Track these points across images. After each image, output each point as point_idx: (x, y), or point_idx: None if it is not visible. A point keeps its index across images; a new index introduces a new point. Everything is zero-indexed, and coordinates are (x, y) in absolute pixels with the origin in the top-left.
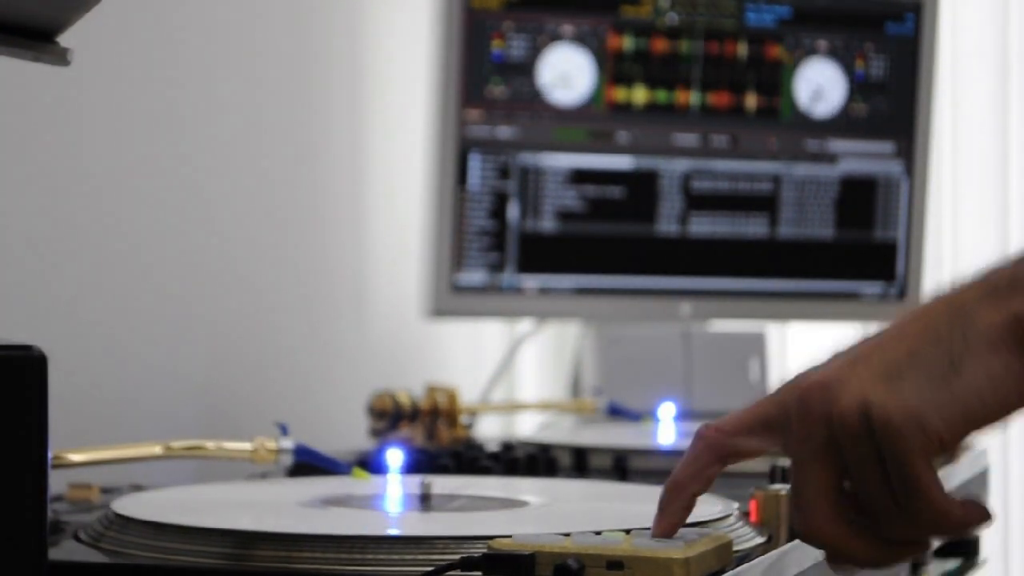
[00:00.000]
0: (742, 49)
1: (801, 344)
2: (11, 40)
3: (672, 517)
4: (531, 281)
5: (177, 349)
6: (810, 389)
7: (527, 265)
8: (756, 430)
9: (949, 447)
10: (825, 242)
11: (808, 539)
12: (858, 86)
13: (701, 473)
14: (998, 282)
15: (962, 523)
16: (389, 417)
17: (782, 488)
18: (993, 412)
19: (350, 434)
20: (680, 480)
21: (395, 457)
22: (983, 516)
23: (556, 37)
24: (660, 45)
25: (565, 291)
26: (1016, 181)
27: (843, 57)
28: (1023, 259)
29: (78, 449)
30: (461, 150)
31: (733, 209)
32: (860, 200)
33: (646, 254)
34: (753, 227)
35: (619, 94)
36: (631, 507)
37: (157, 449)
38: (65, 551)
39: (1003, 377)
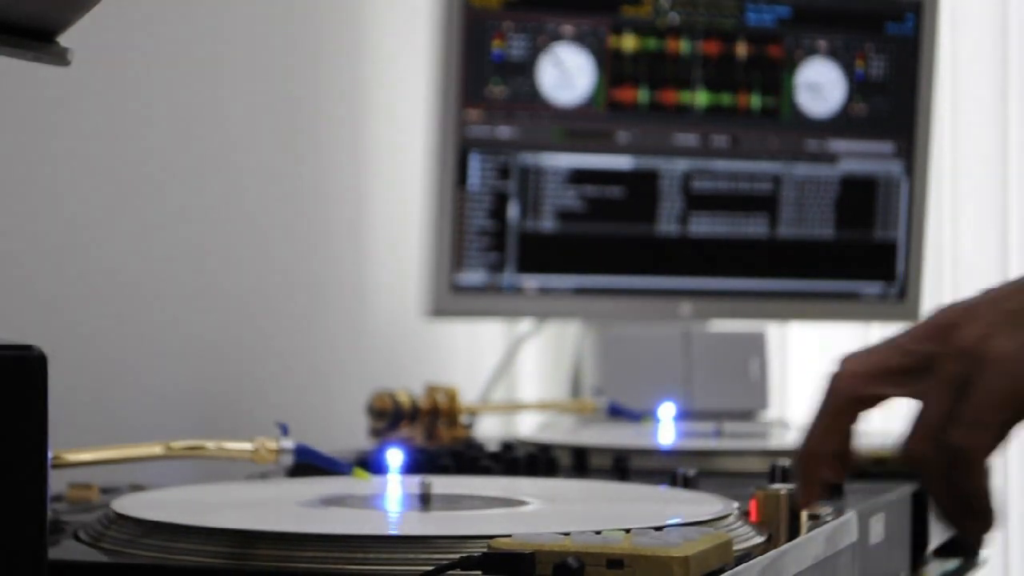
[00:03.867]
0: (742, 49)
1: (801, 344)
2: (11, 40)
3: (814, 486)
4: (531, 281)
5: (177, 349)
6: (945, 328)
7: (527, 265)
8: (892, 377)
9: None
10: (825, 242)
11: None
12: (858, 86)
13: (842, 428)
14: None
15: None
16: (389, 417)
17: (782, 488)
18: None
19: (350, 434)
20: (816, 443)
21: (395, 457)
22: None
23: (556, 37)
24: (660, 45)
25: (565, 291)
26: (1016, 181)
27: (843, 57)
28: None
29: (78, 449)
30: (461, 150)
31: (733, 209)
32: (860, 200)
33: (646, 254)
34: (753, 227)
35: (619, 94)
36: (631, 507)
37: (157, 449)
38: (65, 551)
39: None
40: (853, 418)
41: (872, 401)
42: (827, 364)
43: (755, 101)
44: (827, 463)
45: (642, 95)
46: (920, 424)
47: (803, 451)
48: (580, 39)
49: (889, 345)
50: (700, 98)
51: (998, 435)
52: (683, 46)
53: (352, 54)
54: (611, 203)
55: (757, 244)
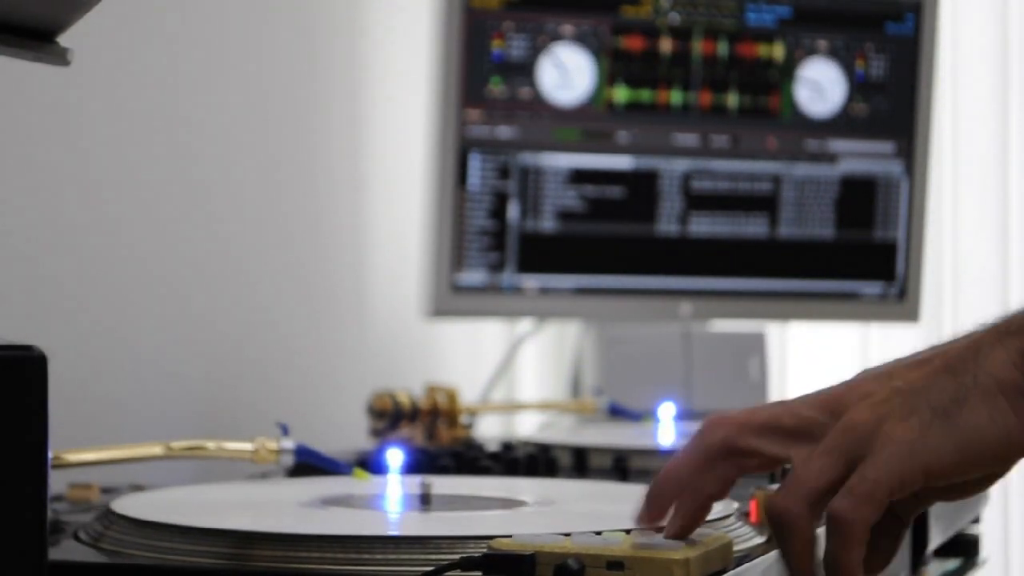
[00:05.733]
0: (742, 49)
1: (801, 344)
2: (11, 40)
3: (658, 508)
4: (531, 281)
5: (177, 349)
6: (837, 402)
7: (527, 265)
8: (774, 435)
9: (936, 479)
10: (825, 242)
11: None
12: (858, 86)
13: (709, 469)
14: (1010, 325)
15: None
16: (389, 417)
17: None
18: (992, 450)
19: (350, 434)
20: (677, 469)
21: (395, 457)
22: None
23: (556, 37)
24: (660, 45)
25: (565, 291)
26: (1016, 181)
27: (843, 57)
28: None
29: (78, 449)
30: (461, 150)
31: (733, 209)
32: (860, 200)
33: (646, 254)
34: (753, 227)
35: (619, 94)
36: (631, 507)
37: (157, 449)
38: (65, 551)
39: (1006, 416)
40: (720, 465)
41: (746, 454)
42: (827, 364)
43: (755, 101)
44: (678, 492)
45: (642, 95)
46: (797, 483)
47: (661, 474)
48: (580, 39)
49: (778, 404)
50: (700, 98)
51: (878, 512)
52: (683, 46)
53: (352, 54)
54: (611, 203)
55: (757, 244)
